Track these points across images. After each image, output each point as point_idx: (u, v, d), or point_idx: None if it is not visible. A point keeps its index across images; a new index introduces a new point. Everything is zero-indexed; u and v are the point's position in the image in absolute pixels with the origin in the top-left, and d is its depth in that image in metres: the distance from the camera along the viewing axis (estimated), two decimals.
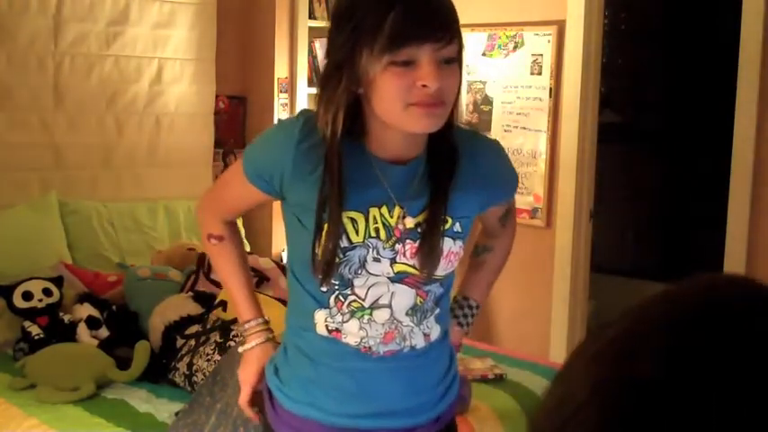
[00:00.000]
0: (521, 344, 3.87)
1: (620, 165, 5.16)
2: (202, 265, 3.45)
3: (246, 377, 1.69)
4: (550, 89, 3.76)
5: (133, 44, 4.02)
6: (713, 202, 4.14)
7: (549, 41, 3.74)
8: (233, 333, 2.84)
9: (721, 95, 4.04)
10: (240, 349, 1.72)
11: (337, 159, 1.44)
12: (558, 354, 3.79)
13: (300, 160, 1.47)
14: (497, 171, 1.63)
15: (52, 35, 3.76)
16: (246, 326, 1.70)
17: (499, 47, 3.89)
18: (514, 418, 2.72)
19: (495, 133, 3.87)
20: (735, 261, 3.29)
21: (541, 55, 3.77)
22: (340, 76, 1.41)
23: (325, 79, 1.44)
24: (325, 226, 1.45)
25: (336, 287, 1.50)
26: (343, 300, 1.51)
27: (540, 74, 3.78)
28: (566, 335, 3.80)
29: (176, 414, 2.48)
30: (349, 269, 1.48)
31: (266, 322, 1.71)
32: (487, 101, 3.96)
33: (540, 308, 3.87)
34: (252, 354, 1.69)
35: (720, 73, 4.47)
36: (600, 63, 3.77)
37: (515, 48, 3.85)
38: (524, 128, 3.85)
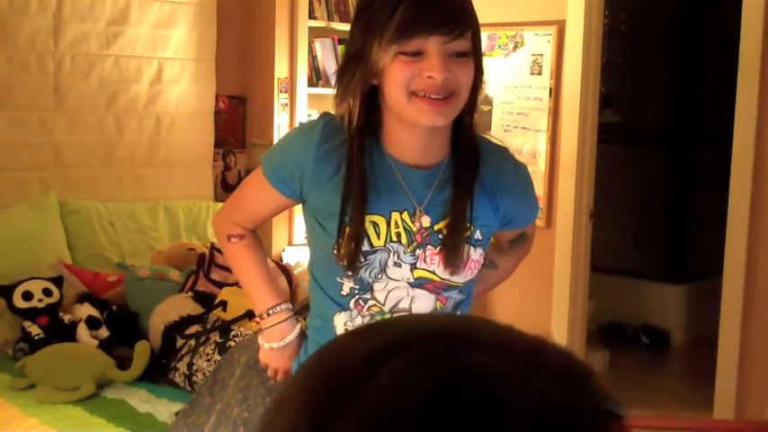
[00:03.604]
0: None
1: (620, 165, 5.16)
2: (202, 265, 3.45)
3: (289, 356, 1.61)
4: (550, 89, 3.75)
5: (133, 44, 4.02)
6: (713, 202, 4.14)
7: (549, 41, 3.73)
8: (233, 333, 2.84)
9: (721, 95, 4.04)
10: (276, 344, 1.61)
11: (359, 160, 1.44)
12: None
13: (320, 163, 1.47)
14: (520, 194, 1.60)
15: (52, 35, 3.76)
16: (271, 311, 1.61)
17: (499, 47, 3.89)
18: None
19: (494, 133, 3.85)
20: (735, 261, 3.29)
21: (541, 55, 3.77)
22: (355, 67, 1.43)
23: (342, 70, 1.46)
24: (347, 229, 1.45)
25: (357, 291, 1.50)
26: (363, 304, 1.50)
27: (540, 74, 3.78)
28: (566, 335, 3.80)
29: (176, 414, 2.47)
30: (369, 273, 1.48)
31: (291, 309, 1.65)
32: (487, 101, 3.96)
33: (540, 308, 3.87)
34: (289, 333, 1.61)
35: (720, 72, 4.47)
36: (600, 63, 3.77)
37: (515, 48, 3.85)
38: (524, 128, 3.85)
